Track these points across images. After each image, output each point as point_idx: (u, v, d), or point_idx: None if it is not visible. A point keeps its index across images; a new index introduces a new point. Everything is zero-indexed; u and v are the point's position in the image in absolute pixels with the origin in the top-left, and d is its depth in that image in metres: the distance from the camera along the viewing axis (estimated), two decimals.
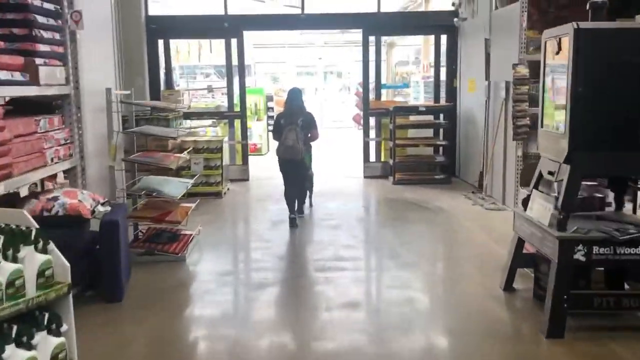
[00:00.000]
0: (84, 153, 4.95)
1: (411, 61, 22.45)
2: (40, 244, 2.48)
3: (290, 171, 6.71)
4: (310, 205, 7.66)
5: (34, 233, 2.47)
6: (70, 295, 2.60)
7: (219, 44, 17.38)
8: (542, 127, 4.33)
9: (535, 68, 7.27)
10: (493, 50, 8.12)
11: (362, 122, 20.92)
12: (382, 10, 9.67)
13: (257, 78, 22.38)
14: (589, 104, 3.69)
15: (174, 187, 5.64)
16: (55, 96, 4.66)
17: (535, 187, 4.32)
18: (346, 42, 22.16)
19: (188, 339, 3.96)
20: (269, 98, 20.21)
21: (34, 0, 4.19)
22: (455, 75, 9.77)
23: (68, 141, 4.67)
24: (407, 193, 8.62)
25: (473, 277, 4.98)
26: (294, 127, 6.42)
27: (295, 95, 6.82)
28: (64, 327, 2.53)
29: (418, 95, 13.91)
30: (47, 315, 2.46)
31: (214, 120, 10.17)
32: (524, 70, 7.11)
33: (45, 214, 4.06)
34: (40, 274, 2.44)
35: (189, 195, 8.43)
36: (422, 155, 9.59)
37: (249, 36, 21.19)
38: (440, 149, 9.75)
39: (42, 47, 4.27)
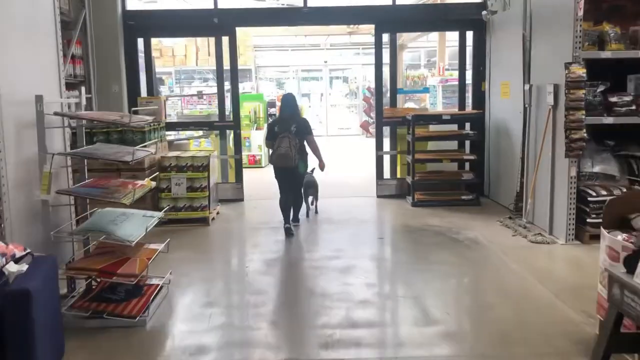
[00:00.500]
0: (2, 184, 3.59)
1: (423, 64, 21.09)
2: None
3: (284, 179, 6.60)
4: (316, 212, 7.58)
5: None
6: None
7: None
8: None
9: (593, 67, 5.92)
10: (535, 46, 6.71)
11: (370, 129, 19.65)
12: (398, 2, 8.29)
13: (259, 83, 21.04)
14: None
15: (134, 225, 4.26)
16: None
17: None
18: (354, 45, 20.82)
19: None
20: (271, 104, 18.88)
21: None
22: (483, 78, 8.37)
23: None
24: (430, 218, 7.21)
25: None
26: (287, 134, 6.29)
27: (288, 102, 6.68)
28: None
29: (435, 101, 12.49)
30: None
31: (205, 130, 8.79)
32: (579, 70, 5.73)
33: None
34: None
35: (171, 222, 7.19)
36: (445, 171, 8.18)
37: (250, 37, 19.94)
38: (467, 164, 8.34)
39: None
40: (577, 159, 5.88)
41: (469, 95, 8.71)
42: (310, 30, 20.48)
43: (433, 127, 8.45)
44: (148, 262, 4.26)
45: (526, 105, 6.83)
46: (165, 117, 7.90)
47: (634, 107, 5.93)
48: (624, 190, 5.93)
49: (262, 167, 12.68)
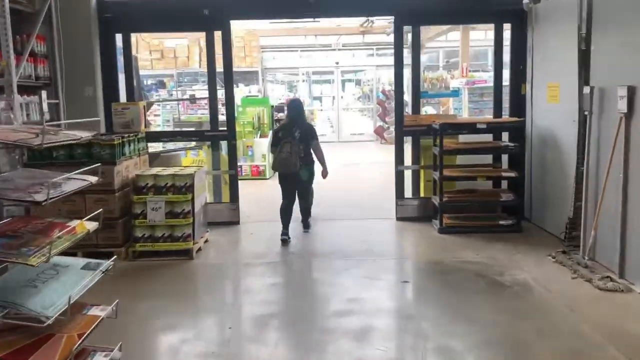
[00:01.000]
0: None
1: (441, 65, 19.70)
2: None
3: (286, 185, 6.49)
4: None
5: None
6: None
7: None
8: None
9: None
10: (597, 41, 5.36)
11: (385, 135, 18.30)
12: None
13: (266, 86, 19.80)
14: None
15: (63, 287, 2.99)
16: None
17: None
18: (367, 45, 19.53)
19: None
20: (278, 109, 17.64)
21: None
22: (523, 79, 7.03)
23: None
24: (463, 250, 5.89)
25: None
26: (290, 140, 6.22)
27: (293, 107, 6.62)
28: None
29: (459, 106, 11.13)
30: None
31: (195, 140, 7.54)
32: None
33: None
34: None
35: (146, 255, 5.94)
36: (479, 190, 6.84)
37: (257, 38, 18.66)
38: (503, 182, 7.00)
39: None
40: None
41: (503, 99, 7.35)
42: (320, 29, 19.23)
43: (463, 138, 7.14)
44: (79, 341, 2.98)
45: (585, 112, 5.49)
46: (146, 126, 6.66)
47: None
48: None
49: (266, 178, 11.42)
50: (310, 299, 4.80)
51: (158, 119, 14.86)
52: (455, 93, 8.23)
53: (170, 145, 8.25)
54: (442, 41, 18.69)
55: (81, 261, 3.43)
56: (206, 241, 6.39)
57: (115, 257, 3.79)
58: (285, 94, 24.24)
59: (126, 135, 6.09)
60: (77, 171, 3.35)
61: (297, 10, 7.31)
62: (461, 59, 13.18)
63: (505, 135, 7.10)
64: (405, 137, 7.31)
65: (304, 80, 21.34)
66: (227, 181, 7.52)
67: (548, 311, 4.32)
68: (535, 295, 4.64)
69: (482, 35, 19.00)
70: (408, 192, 7.38)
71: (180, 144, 8.70)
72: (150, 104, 8.50)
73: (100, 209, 3.35)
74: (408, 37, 18.28)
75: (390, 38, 19.27)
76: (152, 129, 15.53)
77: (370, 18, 17.48)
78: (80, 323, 3.14)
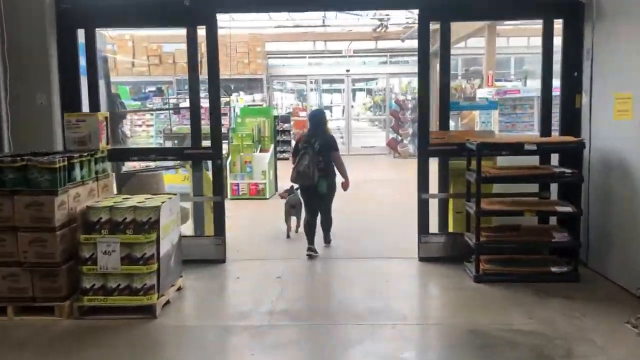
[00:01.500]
0: None
1: (460, 74, 18.35)
2: None
3: (309, 197, 6.32)
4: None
5: None
6: None
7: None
8: None
9: None
10: None
11: (399, 148, 16.93)
12: None
13: (272, 94, 18.52)
14: None
15: None
16: None
17: None
18: (380, 52, 18.22)
19: None
20: (284, 119, 16.36)
21: None
22: (579, 89, 5.65)
23: None
24: (510, 312, 4.49)
25: None
26: (309, 151, 6.11)
27: (314, 118, 6.57)
28: None
29: (486, 120, 9.74)
30: None
31: (172, 159, 6.21)
32: None
33: None
34: None
35: (96, 312, 4.54)
36: (523, 227, 5.44)
37: (262, 43, 17.30)
38: (553, 217, 5.60)
39: None
40: None
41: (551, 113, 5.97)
42: (330, 34, 17.98)
43: (500, 160, 5.78)
44: None
45: None
46: (109, 142, 5.35)
47: None
48: None
49: (266, 198, 10.10)
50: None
51: (151, 129, 13.60)
52: (493, 105, 6.87)
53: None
54: (461, 48, 17.34)
55: None
56: (179, 289, 5.05)
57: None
58: (294, 104, 23.02)
59: (78, 154, 4.78)
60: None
61: (298, 1, 5.98)
62: (486, 67, 11.82)
63: (554, 158, 5.73)
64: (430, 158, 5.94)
65: (312, 90, 20.04)
66: (212, 206, 6.16)
67: None
68: None
69: (504, 42, 17.68)
70: (433, 225, 6.00)
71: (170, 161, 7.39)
72: (120, 116, 7.20)
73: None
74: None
75: (406, 44, 18.03)
76: (143, 139, 14.35)
77: (384, 22, 16.24)
78: None
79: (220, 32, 5.95)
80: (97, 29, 5.89)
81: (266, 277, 5.44)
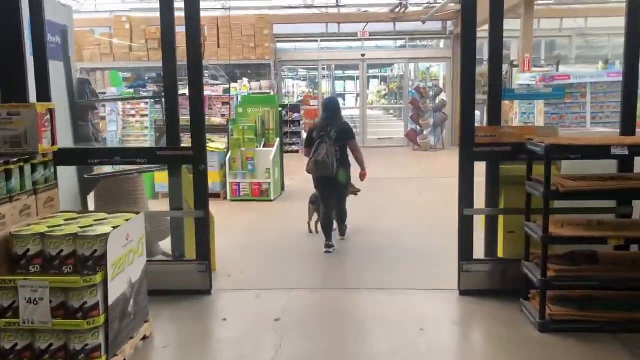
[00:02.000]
0: None
1: (485, 59, 16.87)
2: None
3: (325, 189, 5.98)
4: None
5: None
6: None
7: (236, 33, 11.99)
8: None
9: None
10: None
11: (419, 140, 15.55)
12: None
13: (280, 81, 17.14)
14: None
15: None
16: None
17: None
18: (399, 34, 16.74)
19: None
20: (293, 108, 15.03)
21: None
22: None
23: None
24: None
25: None
26: (325, 140, 5.78)
27: (328, 105, 6.25)
28: None
29: (527, 110, 8.34)
30: None
31: (141, 162, 4.88)
32: None
33: None
34: None
35: None
36: (601, 256, 4.08)
37: (269, 25, 15.80)
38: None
39: None
40: None
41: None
42: (344, 15, 16.56)
43: (566, 165, 4.43)
44: None
45: None
46: (55, 143, 4.05)
47: None
48: None
49: (270, 200, 8.82)
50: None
51: (145, 120, 12.32)
52: (560, 91, 5.50)
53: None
54: (486, 30, 15.85)
55: None
56: (144, 338, 3.78)
57: None
58: (306, 92, 21.64)
59: (1, 160, 3.50)
60: None
61: None
62: (522, 50, 10.38)
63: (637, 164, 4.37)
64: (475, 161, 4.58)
65: (324, 76, 18.64)
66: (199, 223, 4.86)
67: None
68: None
69: (534, 24, 16.17)
70: (478, 249, 4.65)
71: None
72: (89, 106, 5.89)
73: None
74: (447, 26, 15.37)
75: (427, 26, 16.60)
76: (137, 130, 13.07)
77: (404, 1, 14.81)
78: None
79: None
80: None
81: (261, 318, 4.16)
